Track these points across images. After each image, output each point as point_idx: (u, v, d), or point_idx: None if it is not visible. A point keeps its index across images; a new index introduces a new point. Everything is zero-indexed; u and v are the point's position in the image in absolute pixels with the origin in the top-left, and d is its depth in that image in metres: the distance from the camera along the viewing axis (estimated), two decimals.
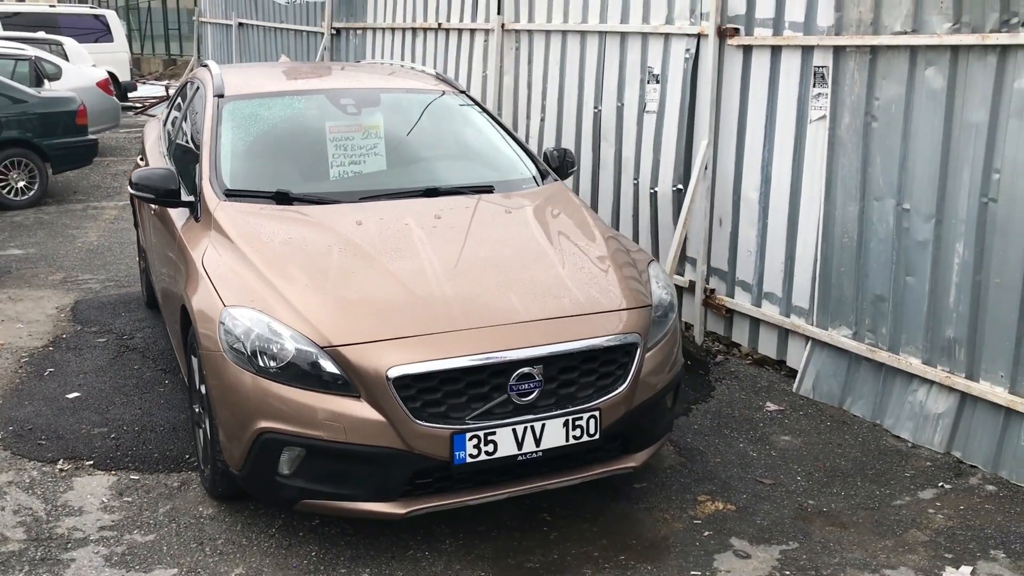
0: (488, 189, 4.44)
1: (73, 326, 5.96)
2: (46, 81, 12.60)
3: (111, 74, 20.20)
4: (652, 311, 3.73)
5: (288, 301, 3.40)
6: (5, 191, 9.83)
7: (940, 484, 4.04)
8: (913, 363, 4.47)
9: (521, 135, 7.41)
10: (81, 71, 14.82)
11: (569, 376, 3.42)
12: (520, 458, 3.33)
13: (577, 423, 3.41)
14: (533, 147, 7.22)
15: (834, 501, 3.89)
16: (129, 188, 4.29)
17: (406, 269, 3.61)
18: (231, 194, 4.13)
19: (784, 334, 5.27)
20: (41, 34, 16.64)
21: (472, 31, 7.94)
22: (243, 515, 3.67)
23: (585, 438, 3.43)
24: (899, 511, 3.81)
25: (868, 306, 4.70)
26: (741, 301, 5.51)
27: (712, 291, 5.68)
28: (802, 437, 4.51)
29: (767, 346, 5.41)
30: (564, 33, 6.79)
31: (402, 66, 6.11)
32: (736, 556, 3.47)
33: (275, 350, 3.27)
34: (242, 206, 4.06)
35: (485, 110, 5.15)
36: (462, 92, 5.23)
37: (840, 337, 4.84)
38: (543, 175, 4.72)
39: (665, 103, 5.88)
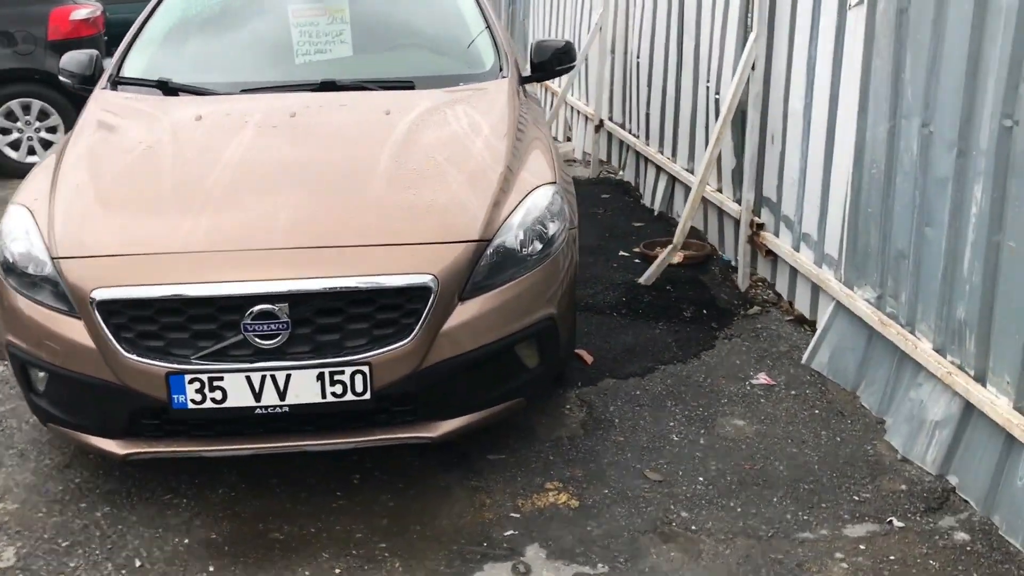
0: (408, 85, 3.76)
1: None
2: None
3: None
4: (485, 248, 2.94)
5: (55, 204, 3.06)
6: None
7: (890, 520, 2.90)
8: (921, 347, 3.23)
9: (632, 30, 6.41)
10: None
11: (331, 320, 2.78)
12: (259, 411, 2.80)
13: (337, 378, 2.78)
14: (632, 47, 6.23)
15: (716, 519, 2.92)
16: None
17: (193, 176, 3.11)
18: (120, 82, 3.83)
19: (817, 289, 4.09)
20: None
21: None
22: None
23: (350, 396, 2.80)
24: (793, 548, 2.78)
25: (892, 262, 3.46)
26: (782, 242, 4.36)
27: (760, 227, 4.55)
28: (762, 425, 3.47)
29: (803, 302, 4.25)
30: None
31: None
32: (513, 571, 2.71)
33: (26, 256, 2.95)
34: (113, 96, 3.76)
35: None
36: None
37: (860, 301, 3.63)
38: (499, 71, 3.93)
39: None
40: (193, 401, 2.77)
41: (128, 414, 2.83)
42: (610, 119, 6.75)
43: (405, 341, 2.81)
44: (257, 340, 2.75)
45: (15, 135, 7.04)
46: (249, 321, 2.73)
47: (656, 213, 5.88)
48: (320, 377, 2.78)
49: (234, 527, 2.92)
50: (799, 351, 4.01)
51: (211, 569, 2.73)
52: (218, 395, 2.77)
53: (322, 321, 2.78)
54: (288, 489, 3.11)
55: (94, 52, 4.08)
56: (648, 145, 6.04)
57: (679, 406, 3.61)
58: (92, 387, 2.83)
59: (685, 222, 4.62)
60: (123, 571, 2.72)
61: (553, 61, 4.16)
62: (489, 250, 2.96)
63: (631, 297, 4.52)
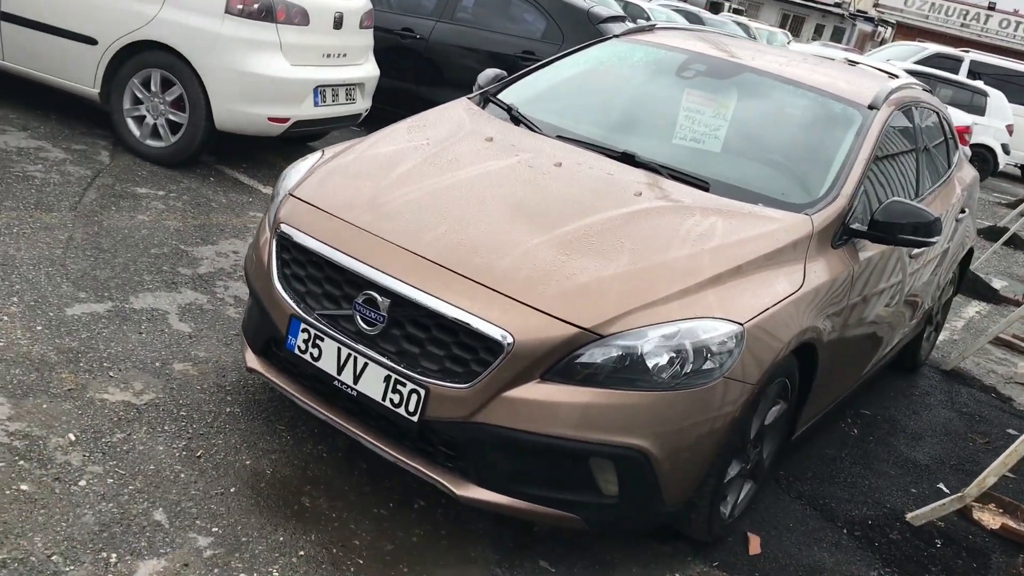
0: (702, 184, 3.54)
1: None
2: None
3: None
4: (590, 340, 2.72)
5: (327, 157, 3.55)
6: None
7: None
8: None
9: None
10: (988, 122, 14.92)
11: (417, 333, 2.84)
12: (336, 384, 2.96)
13: (399, 387, 2.84)
14: None
15: None
16: None
17: (421, 174, 3.34)
18: (490, 100, 4.21)
19: None
20: (963, 78, 16.52)
21: None
22: None
23: (402, 411, 2.84)
24: None
25: None
26: None
27: None
28: None
29: None
30: None
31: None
32: None
33: (285, 184, 3.47)
34: (468, 105, 4.13)
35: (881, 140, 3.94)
36: (872, 107, 4.02)
37: None
38: (807, 209, 3.49)
39: None
40: (299, 348, 3.03)
41: (266, 335, 3.21)
42: None
43: (464, 385, 2.74)
44: (360, 322, 2.91)
45: None
46: (360, 301, 2.91)
47: None
48: (387, 379, 2.85)
49: (287, 478, 3.13)
50: None
51: (232, 491, 2.99)
52: (315, 352, 3.00)
53: (410, 330, 2.85)
54: (362, 478, 3.22)
55: (502, 72, 4.55)
56: None
57: None
58: (257, 302, 3.26)
59: (988, 473, 3.60)
60: (184, 453, 3.11)
61: (900, 229, 3.56)
62: (606, 348, 2.73)
63: (880, 525, 3.67)
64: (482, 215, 3.14)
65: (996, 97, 16.11)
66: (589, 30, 7.97)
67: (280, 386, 3.17)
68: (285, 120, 5.90)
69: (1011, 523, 3.88)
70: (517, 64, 7.76)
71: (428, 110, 4.08)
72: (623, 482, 2.82)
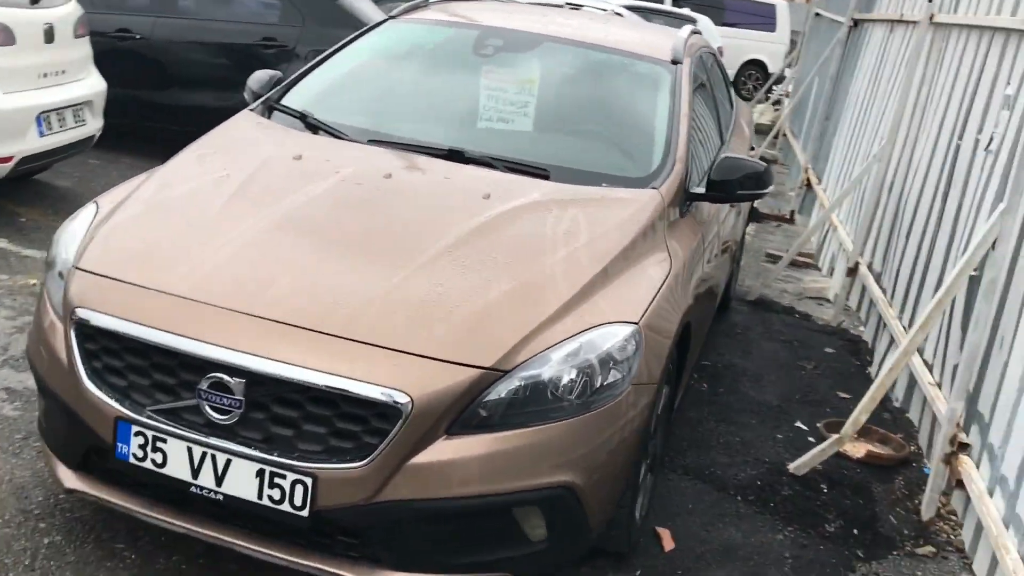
0: (542, 172, 3.28)
1: None
2: None
3: (758, 61, 20.56)
4: (496, 379, 2.39)
5: (116, 210, 2.94)
6: None
7: None
8: None
9: None
10: None
11: (287, 413, 2.37)
12: (195, 490, 2.44)
13: (277, 481, 2.36)
14: (906, 188, 5.25)
15: None
16: None
17: (236, 214, 2.84)
18: (276, 108, 3.70)
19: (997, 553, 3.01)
20: (668, 6, 17.39)
21: None
22: None
23: (287, 507, 2.37)
24: None
25: None
26: (978, 477, 3.29)
27: (964, 447, 3.49)
28: None
29: (981, 563, 3.17)
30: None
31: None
32: None
33: (63, 256, 2.83)
34: (250, 118, 3.61)
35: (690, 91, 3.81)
36: (675, 63, 3.93)
37: None
38: (652, 181, 3.32)
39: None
40: (135, 456, 2.47)
41: (83, 446, 2.60)
42: (869, 266, 5.76)
43: (360, 463, 2.33)
44: (210, 411, 2.40)
45: None
46: (205, 388, 2.39)
47: None
48: (260, 474, 2.37)
49: None
50: None
51: None
52: (159, 458, 2.45)
53: (278, 411, 2.38)
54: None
55: (277, 74, 4.01)
56: (891, 307, 5.03)
57: None
58: (61, 407, 2.63)
59: (860, 411, 3.68)
60: None
61: (737, 185, 3.48)
62: (508, 383, 2.41)
63: (769, 483, 3.66)
64: (326, 256, 2.69)
65: (704, 22, 16.96)
66: (330, 10, 7.42)
67: (116, 504, 2.59)
68: (8, 159, 5.00)
69: (874, 448, 4.00)
70: (260, 54, 7.14)
71: (210, 132, 3.50)
72: (552, 524, 2.53)
